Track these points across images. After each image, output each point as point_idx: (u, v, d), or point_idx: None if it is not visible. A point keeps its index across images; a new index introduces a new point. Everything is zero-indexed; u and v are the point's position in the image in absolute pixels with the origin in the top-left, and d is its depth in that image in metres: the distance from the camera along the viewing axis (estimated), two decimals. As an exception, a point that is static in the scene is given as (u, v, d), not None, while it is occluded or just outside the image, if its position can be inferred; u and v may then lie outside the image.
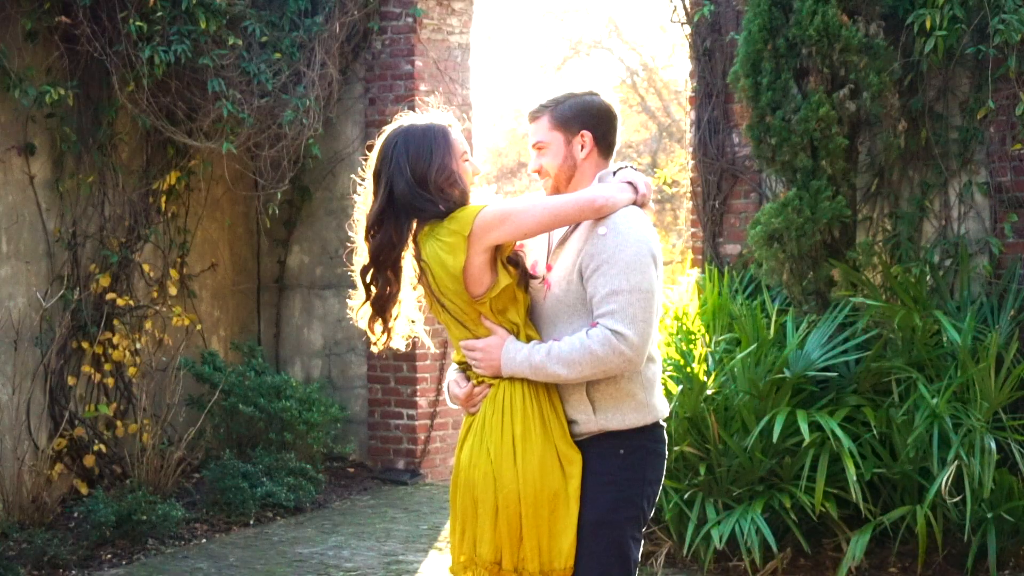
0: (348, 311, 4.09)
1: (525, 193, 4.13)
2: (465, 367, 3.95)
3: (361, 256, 3.96)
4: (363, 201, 3.96)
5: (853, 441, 6.68)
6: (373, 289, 3.93)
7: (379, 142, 3.94)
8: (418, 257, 3.85)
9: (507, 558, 3.78)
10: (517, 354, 3.79)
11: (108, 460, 8.73)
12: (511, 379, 3.83)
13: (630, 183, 3.85)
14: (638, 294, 3.71)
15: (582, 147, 3.91)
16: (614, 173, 3.93)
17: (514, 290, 3.85)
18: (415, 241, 3.86)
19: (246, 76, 8.92)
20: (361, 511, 8.76)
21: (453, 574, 3.94)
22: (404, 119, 3.95)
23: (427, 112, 3.99)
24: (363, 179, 3.99)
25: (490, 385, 3.87)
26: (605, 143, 3.94)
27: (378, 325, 3.98)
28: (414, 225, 3.85)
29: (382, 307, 3.95)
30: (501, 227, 3.76)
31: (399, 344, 4.06)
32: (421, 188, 3.82)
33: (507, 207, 3.79)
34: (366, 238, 3.91)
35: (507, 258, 3.85)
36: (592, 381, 3.80)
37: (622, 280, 3.72)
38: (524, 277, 3.88)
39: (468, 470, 3.84)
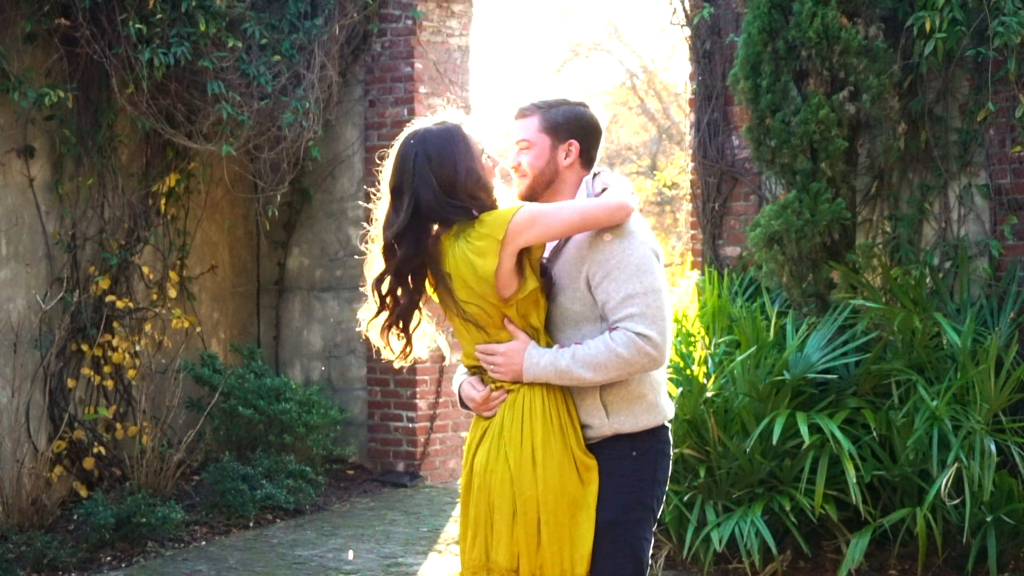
0: (356, 322, 4.04)
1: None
2: (477, 371, 3.94)
3: (375, 267, 3.90)
4: (378, 212, 3.89)
5: (853, 443, 6.67)
6: (389, 300, 3.88)
7: (394, 152, 3.87)
8: (439, 263, 3.80)
9: (525, 565, 3.77)
10: (541, 359, 3.80)
11: (107, 462, 8.72)
12: (531, 385, 3.82)
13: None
14: (652, 295, 3.77)
15: (567, 155, 3.95)
16: (593, 177, 3.97)
17: (538, 295, 3.84)
18: (435, 247, 3.80)
19: (246, 78, 8.92)
20: (361, 513, 8.75)
21: None
22: (416, 124, 3.89)
23: (437, 113, 3.95)
24: (377, 191, 3.93)
25: (508, 391, 3.85)
26: (588, 156, 3.99)
27: (394, 337, 3.93)
28: (433, 231, 3.80)
29: (406, 318, 3.90)
30: (531, 229, 3.74)
31: (422, 353, 4.02)
32: (450, 196, 3.77)
33: (537, 209, 3.78)
34: (385, 252, 3.85)
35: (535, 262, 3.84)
36: (605, 385, 3.82)
37: (635, 283, 3.77)
38: (548, 284, 3.88)
39: (484, 475, 3.83)
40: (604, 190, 3.92)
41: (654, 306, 3.76)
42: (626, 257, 3.78)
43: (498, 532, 3.79)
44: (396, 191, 3.83)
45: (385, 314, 3.92)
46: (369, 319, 3.95)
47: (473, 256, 3.74)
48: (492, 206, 3.82)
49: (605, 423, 3.85)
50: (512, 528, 3.78)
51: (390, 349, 3.96)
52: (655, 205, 20.23)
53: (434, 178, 3.77)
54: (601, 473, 3.83)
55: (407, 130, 3.89)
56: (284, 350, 10.27)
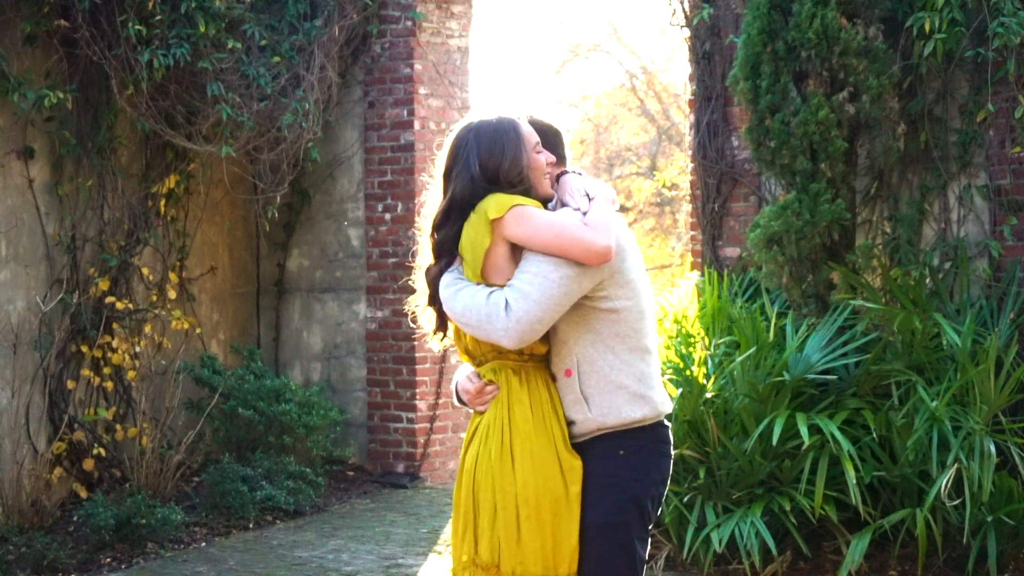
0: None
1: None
2: (476, 363, 3.95)
3: (425, 255, 3.96)
4: (430, 201, 3.95)
5: (853, 444, 6.67)
6: (432, 287, 3.93)
7: (449, 140, 3.93)
8: (457, 242, 3.87)
9: (506, 561, 3.78)
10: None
11: (107, 464, 8.72)
12: (517, 381, 3.84)
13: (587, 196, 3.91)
14: (541, 278, 3.74)
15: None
16: (558, 177, 3.98)
17: None
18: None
19: (245, 79, 8.92)
20: (360, 515, 8.75)
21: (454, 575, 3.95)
22: (473, 116, 3.94)
23: (495, 108, 3.98)
24: (431, 179, 3.97)
25: (499, 385, 3.87)
26: (558, 155, 4.02)
27: (433, 321, 3.98)
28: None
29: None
30: (517, 226, 3.78)
31: (446, 342, 4.06)
32: (489, 183, 3.81)
33: (531, 214, 3.79)
34: (432, 235, 3.91)
35: None
36: (582, 376, 3.83)
37: (532, 265, 3.76)
38: None
39: (472, 472, 3.85)
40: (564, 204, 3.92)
41: (535, 286, 3.72)
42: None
43: (481, 528, 3.82)
44: (447, 176, 3.90)
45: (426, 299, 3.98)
46: (423, 308, 3.99)
47: (472, 229, 3.80)
48: (525, 196, 3.85)
49: (589, 417, 3.82)
50: (493, 523, 3.79)
51: (432, 334, 4.01)
52: (655, 206, 20.24)
53: (479, 163, 3.82)
54: (590, 474, 3.81)
55: (463, 121, 3.95)
56: (284, 351, 10.27)
